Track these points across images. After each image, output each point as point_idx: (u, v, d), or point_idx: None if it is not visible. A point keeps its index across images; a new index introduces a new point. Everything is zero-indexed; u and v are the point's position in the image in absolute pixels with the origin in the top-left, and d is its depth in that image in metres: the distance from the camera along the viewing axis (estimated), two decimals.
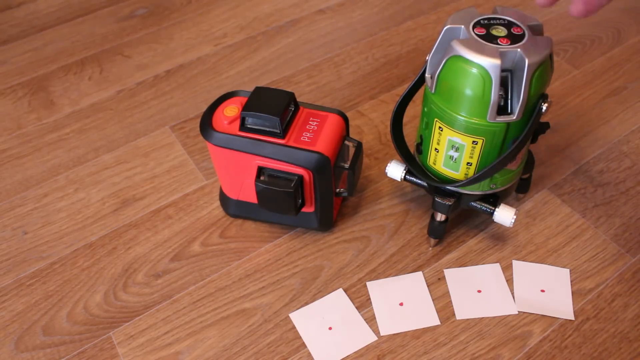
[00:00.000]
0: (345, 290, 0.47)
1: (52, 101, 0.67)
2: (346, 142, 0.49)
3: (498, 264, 0.49)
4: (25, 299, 0.48)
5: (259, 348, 0.44)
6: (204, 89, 0.67)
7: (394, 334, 0.45)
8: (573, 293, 0.47)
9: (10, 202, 0.56)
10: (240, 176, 0.48)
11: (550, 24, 0.74)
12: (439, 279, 0.48)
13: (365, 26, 0.75)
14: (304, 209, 0.49)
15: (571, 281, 0.47)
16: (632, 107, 0.62)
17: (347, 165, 0.47)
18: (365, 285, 0.48)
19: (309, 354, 0.44)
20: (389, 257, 0.50)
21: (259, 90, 0.46)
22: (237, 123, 0.46)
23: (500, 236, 0.51)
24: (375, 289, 0.47)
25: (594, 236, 0.50)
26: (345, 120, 0.48)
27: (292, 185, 0.45)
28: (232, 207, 0.51)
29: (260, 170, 0.46)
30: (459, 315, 0.45)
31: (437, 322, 0.45)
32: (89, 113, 0.65)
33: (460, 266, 0.49)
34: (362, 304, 0.47)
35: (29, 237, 0.53)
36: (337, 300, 0.47)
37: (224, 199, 0.52)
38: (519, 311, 0.45)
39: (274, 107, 0.44)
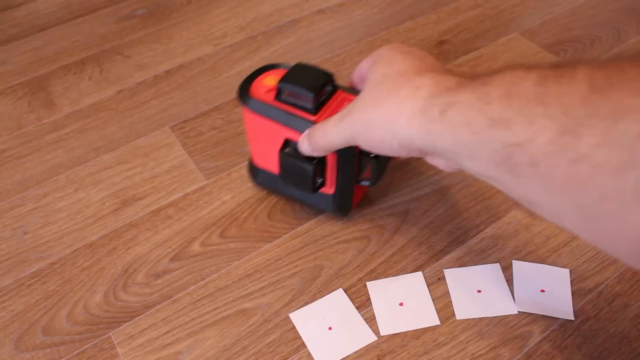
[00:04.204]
0: (345, 290, 0.47)
1: (52, 101, 0.67)
2: None
3: (498, 264, 0.49)
4: (25, 299, 0.48)
5: (259, 348, 0.44)
6: (204, 89, 0.67)
7: (394, 334, 0.45)
8: (573, 293, 0.47)
9: (10, 202, 0.56)
10: (268, 145, 0.49)
11: (550, 24, 0.74)
12: (439, 279, 0.48)
13: (365, 26, 0.75)
14: (323, 190, 0.49)
15: (571, 281, 0.47)
16: None
17: (372, 154, 0.47)
18: (365, 285, 0.48)
19: (309, 354, 0.44)
20: (389, 257, 0.50)
21: (299, 66, 0.47)
22: (274, 93, 0.47)
23: (500, 236, 0.51)
24: (375, 289, 0.47)
25: None
26: None
27: (313, 162, 0.45)
28: (259, 176, 0.53)
29: (287, 143, 0.47)
30: (459, 315, 0.45)
31: (437, 322, 0.45)
32: (89, 113, 0.65)
33: (460, 266, 0.49)
34: (362, 304, 0.47)
35: (29, 237, 0.53)
36: (337, 300, 0.47)
37: (252, 168, 0.53)
38: (519, 311, 0.45)
39: (310, 83, 0.45)
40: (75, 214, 0.54)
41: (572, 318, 0.45)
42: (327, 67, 0.69)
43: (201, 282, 0.49)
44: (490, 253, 0.50)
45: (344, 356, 0.43)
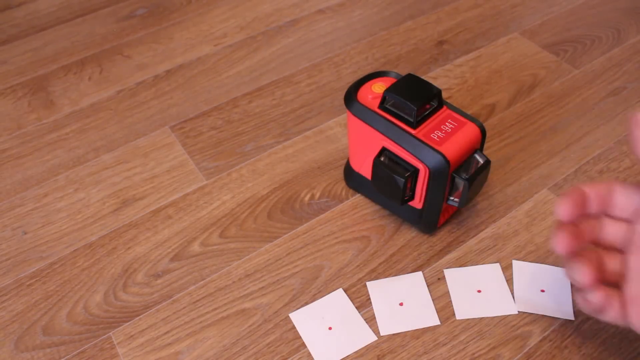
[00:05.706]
0: (345, 290, 0.47)
1: (52, 101, 0.67)
2: (476, 155, 0.48)
3: (498, 264, 0.49)
4: (25, 299, 0.48)
5: (259, 348, 0.44)
6: (204, 89, 0.67)
7: (394, 334, 0.45)
8: (573, 293, 0.46)
9: (10, 202, 0.56)
10: (366, 150, 0.49)
11: (550, 24, 0.74)
12: (438, 279, 0.48)
13: (365, 26, 0.75)
14: (411, 203, 0.49)
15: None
16: (632, 107, 0.62)
17: (465, 176, 0.46)
18: (365, 285, 0.48)
19: (309, 354, 0.44)
20: (389, 257, 0.50)
21: (410, 77, 0.47)
22: (379, 100, 0.47)
23: (500, 236, 0.51)
24: (375, 289, 0.47)
25: None
26: (483, 133, 0.47)
27: (406, 175, 0.45)
28: (353, 179, 0.53)
29: (383, 151, 0.47)
30: (459, 315, 0.45)
31: (437, 322, 0.45)
32: (89, 113, 0.65)
33: (460, 266, 0.49)
34: (362, 304, 0.47)
35: (29, 237, 0.53)
36: (337, 300, 0.47)
37: (348, 170, 0.54)
38: (519, 311, 0.45)
39: (416, 97, 0.45)
40: (75, 214, 0.54)
41: (572, 318, 0.45)
42: (327, 67, 0.69)
43: (201, 282, 0.49)
44: (490, 253, 0.50)
45: (344, 356, 0.43)
